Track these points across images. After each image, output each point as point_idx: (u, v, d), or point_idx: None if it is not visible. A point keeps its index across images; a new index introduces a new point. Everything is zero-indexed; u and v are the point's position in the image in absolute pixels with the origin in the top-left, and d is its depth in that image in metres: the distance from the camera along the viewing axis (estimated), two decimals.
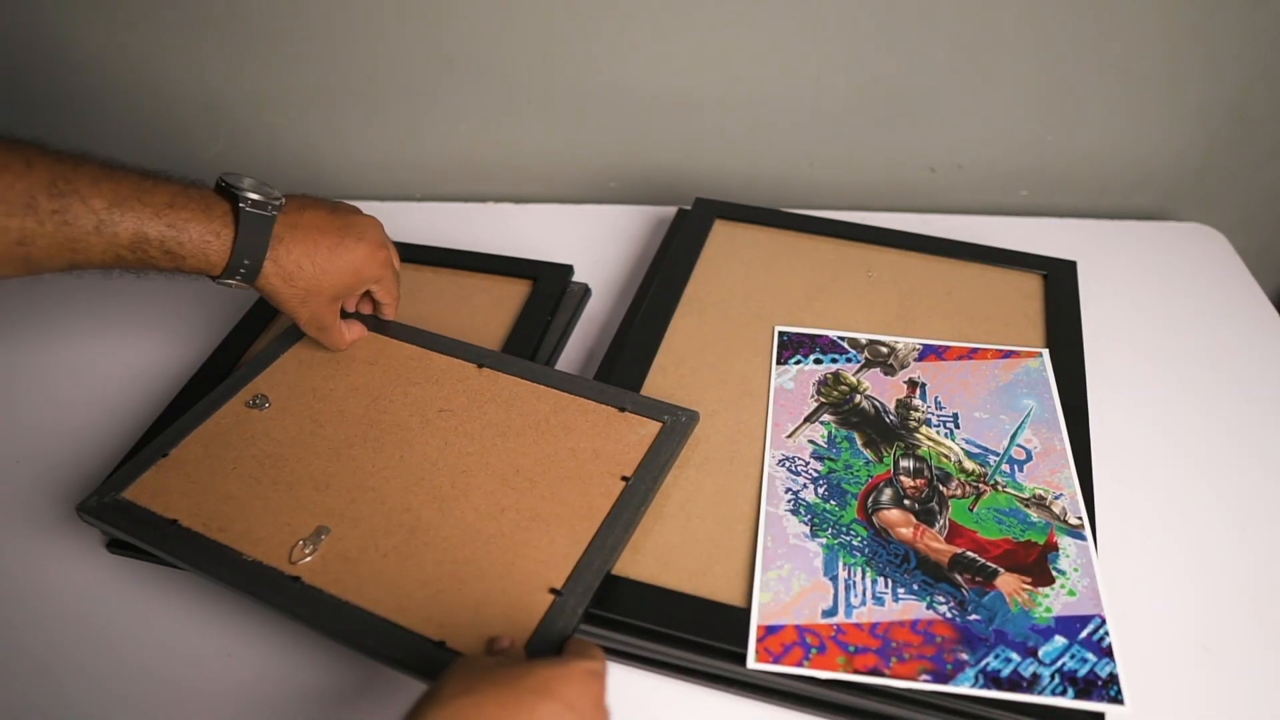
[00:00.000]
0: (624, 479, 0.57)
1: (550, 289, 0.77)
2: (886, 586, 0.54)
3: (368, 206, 0.96)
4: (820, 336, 0.71)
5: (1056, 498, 0.59)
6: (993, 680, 0.49)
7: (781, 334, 0.71)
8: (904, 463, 0.62)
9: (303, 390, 0.66)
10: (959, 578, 0.54)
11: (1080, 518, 0.58)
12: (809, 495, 0.59)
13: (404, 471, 0.59)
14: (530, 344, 0.71)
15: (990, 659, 0.50)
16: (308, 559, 0.53)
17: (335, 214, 0.63)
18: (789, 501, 0.59)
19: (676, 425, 0.61)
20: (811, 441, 0.63)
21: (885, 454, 0.62)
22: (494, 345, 0.71)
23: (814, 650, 0.51)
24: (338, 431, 0.62)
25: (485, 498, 0.57)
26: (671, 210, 0.89)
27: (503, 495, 0.57)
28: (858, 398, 0.66)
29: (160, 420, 0.68)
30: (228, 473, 0.59)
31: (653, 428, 0.60)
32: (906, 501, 0.59)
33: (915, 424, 0.64)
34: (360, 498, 0.57)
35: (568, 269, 0.79)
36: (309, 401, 0.65)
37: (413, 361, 0.67)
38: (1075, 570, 0.55)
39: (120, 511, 0.58)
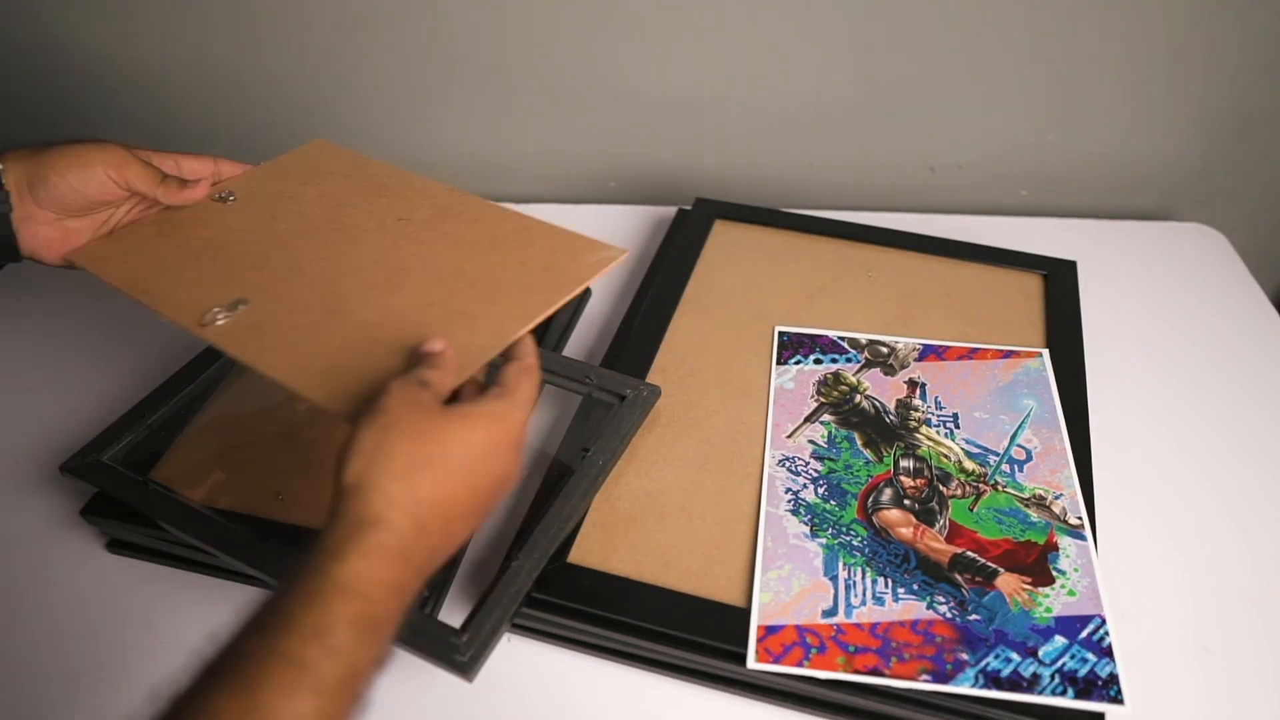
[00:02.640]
0: (584, 450, 0.58)
1: None
2: (886, 586, 0.54)
3: None
4: (820, 336, 0.71)
5: (1056, 498, 0.59)
6: (993, 680, 0.49)
7: (781, 334, 0.71)
8: (904, 463, 0.62)
9: (270, 192, 0.65)
10: (959, 578, 0.54)
11: (1080, 518, 0.58)
12: (809, 495, 0.59)
13: (342, 263, 0.57)
14: None
15: (990, 659, 0.50)
16: (219, 323, 0.52)
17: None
18: (789, 501, 0.59)
19: (639, 399, 0.62)
20: (811, 441, 0.63)
21: (885, 454, 0.62)
22: None
23: (814, 650, 0.51)
24: (290, 227, 0.61)
25: (417, 293, 0.54)
26: (671, 210, 0.89)
27: (435, 292, 0.54)
28: (858, 398, 0.66)
29: (162, 418, 0.68)
30: (171, 248, 0.59)
31: (614, 253, 0.55)
32: (906, 501, 0.59)
33: (915, 424, 0.64)
34: (290, 279, 0.56)
35: None
36: (273, 201, 0.64)
37: (388, 179, 0.66)
38: (1075, 570, 0.55)
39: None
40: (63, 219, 0.56)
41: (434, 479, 0.41)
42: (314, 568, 0.37)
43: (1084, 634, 0.51)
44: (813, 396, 0.66)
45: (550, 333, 0.75)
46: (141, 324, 0.81)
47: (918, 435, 0.64)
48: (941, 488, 0.60)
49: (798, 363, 0.69)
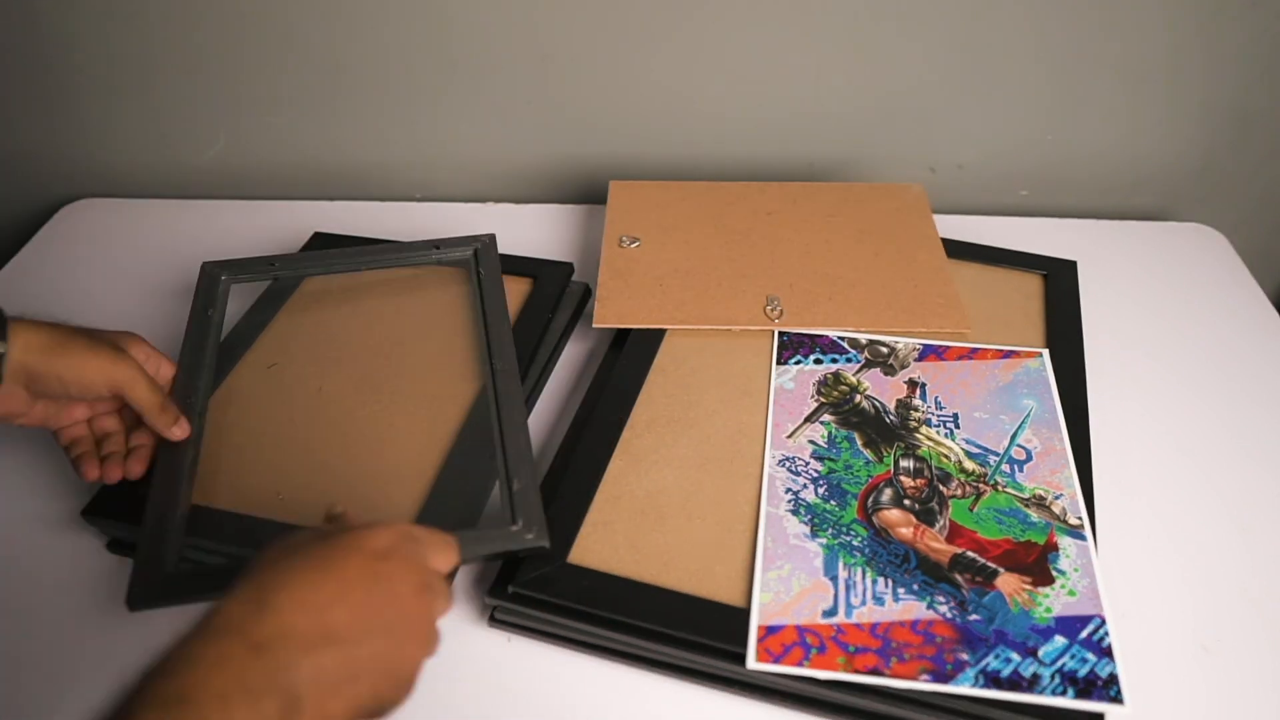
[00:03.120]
0: (493, 367, 0.63)
1: (550, 288, 0.77)
2: (887, 586, 0.54)
3: (368, 206, 0.97)
4: (820, 336, 0.71)
5: (1056, 498, 0.59)
6: (993, 680, 0.49)
7: (782, 334, 0.71)
8: (904, 463, 0.62)
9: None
10: (959, 578, 0.54)
11: (1080, 518, 0.58)
12: (809, 495, 0.59)
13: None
14: (531, 342, 0.71)
15: (990, 659, 0.50)
16: None
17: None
18: (789, 501, 0.59)
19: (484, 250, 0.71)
20: (812, 441, 0.63)
21: (885, 454, 0.62)
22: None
23: (814, 650, 0.51)
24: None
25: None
26: None
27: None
28: (858, 398, 0.66)
29: None
30: None
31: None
32: (907, 501, 0.59)
33: (915, 424, 0.64)
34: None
35: (568, 267, 0.79)
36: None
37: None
38: (1075, 570, 0.55)
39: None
40: (29, 396, 0.56)
41: (281, 566, 0.39)
42: (147, 672, 0.35)
43: (1084, 634, 0.51)
44: (813, 396, 0.66)
45: (550, 332, 0.75)
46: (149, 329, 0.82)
47: (918, 435, 0.64)
48: (941, 488, 0.60)
49: (798, 363, 0.69)
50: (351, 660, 0.38)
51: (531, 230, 0.92)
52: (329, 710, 0.37)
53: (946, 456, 0.62)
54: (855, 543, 0.57)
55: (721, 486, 0.60)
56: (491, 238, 0.77)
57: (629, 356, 0.69)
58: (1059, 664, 0.50)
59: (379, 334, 0.71)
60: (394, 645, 0.40)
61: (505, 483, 0.57)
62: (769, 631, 0.52)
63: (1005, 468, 0.61)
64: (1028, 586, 0.54)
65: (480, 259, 0.75)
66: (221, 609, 0.37)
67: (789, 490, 0.60)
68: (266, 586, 0.38)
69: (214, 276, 0.74)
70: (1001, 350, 0.70)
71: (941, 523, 0.58)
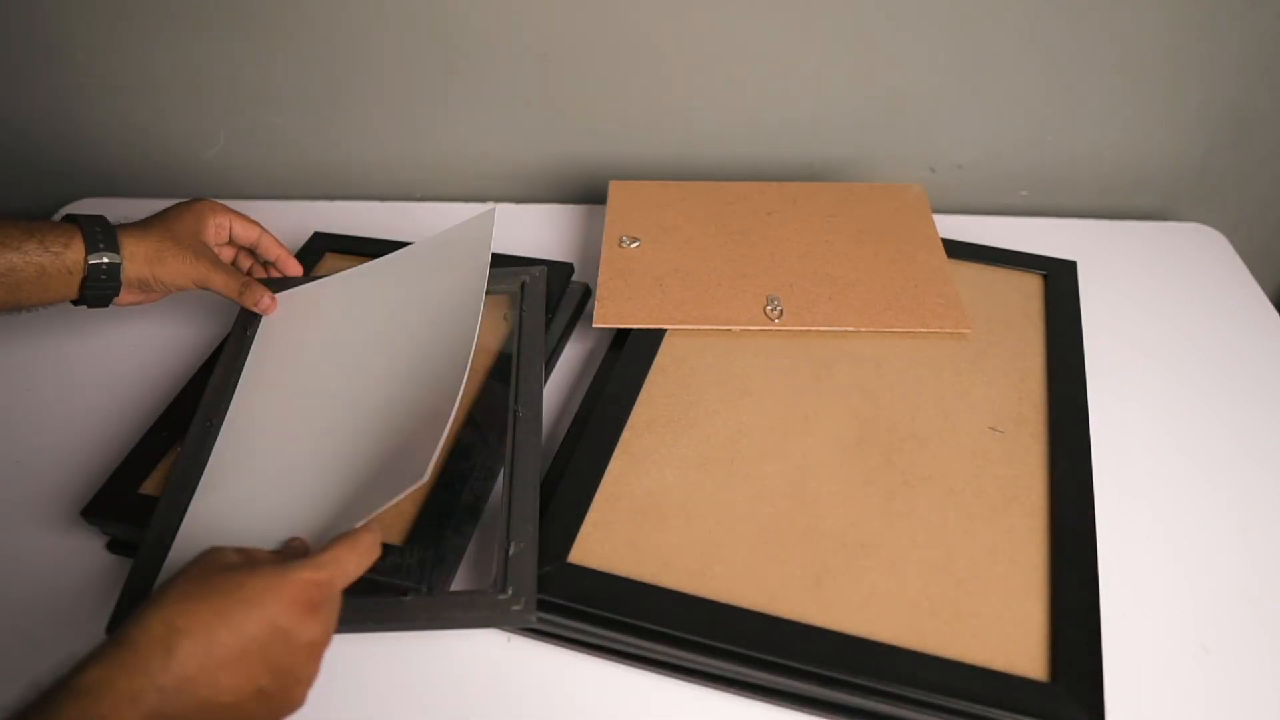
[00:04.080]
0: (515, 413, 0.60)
1: (550, 287, 0.77)
2: None
3: (368, 206, 0.97)
4: None
5: None
6: None
7: None
8: None
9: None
10: None
11: None
12: None
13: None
14: None
15: None
16: None
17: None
18: None
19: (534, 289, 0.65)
20: None
21: None
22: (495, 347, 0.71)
23: None
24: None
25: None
26: None
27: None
28: None
29: (162, 418, 0.68)
30: None
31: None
32: None
33: None
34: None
35: (568, 267, 0.79)
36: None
37: None
38: None
39: None
40: (141, 293, 0.68)
41: (189, 610, 0.41)
42: (59, 681, 0.38)
43: None
44: None
45: (551, 332, 0.75)
46: (149, 329, 0.82)
47: None
48: None
49: None
50: (235, 711, 0.41)
51: (531, 230, 0.92)
52: None
53: None
54: None
55: (721, 486, 0.60)
56: (542, 271, 0.72)
57: (629, 356, 0.69)
58: None
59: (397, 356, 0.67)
60: (279, 693, 0.43)
61: (503, 544, 0.54)
62: None
63: None
64: None
65: (525, 293, 0.71)
66: (131, 638, 0.40)
67: None
68: (173, 628, 0.40)
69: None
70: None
71: None
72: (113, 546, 0.63)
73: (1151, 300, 0.81)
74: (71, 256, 0.62)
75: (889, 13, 0.82)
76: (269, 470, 0.59)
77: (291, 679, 0.43)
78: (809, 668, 0.50)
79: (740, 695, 0.54)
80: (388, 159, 0.97)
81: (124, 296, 0.66)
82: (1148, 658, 0.55)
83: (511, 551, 0.54)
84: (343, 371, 0.65)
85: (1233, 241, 0.89)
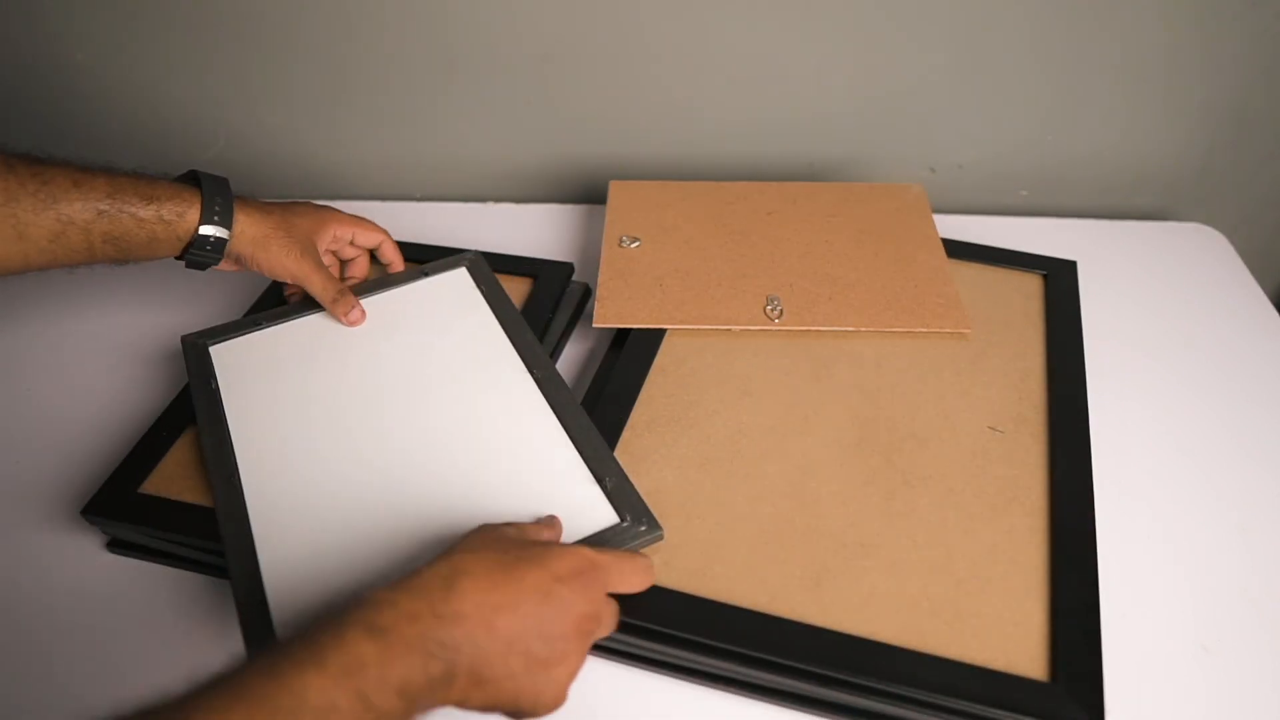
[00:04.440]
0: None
1: (550, 287, 0.77)
2: None
3: (368, 206, 0.96)
4: None
5: None
6: None
7: None
8: None
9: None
10: None
11: None
12: None
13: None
14: None
15: None
16: None
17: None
18: None
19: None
20: None
21: None
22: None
23: None
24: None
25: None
26: None
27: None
28: None
29: (162, 418, 0.68)
30: None
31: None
32: None
33: None
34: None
35: (568, 267, 0.79)
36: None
37: None
38: None
39: None
40: (237, 266, 0.69)
41: (474, 558, 0.44)
42: (352, 596, 0.42)
43: None
44: None
45: (550, 333, 0.75)
46: (148, 330, 0.81)
47: None
48: None
49: None
50: (502, 663, 0.42)
51: (531, 230, 0.92)
52: (470, 696, 0.42)
53: None
54: None
55: (721, 486, 0.60)
56: (476, 254, 0.77)
57: (629, 356, 0.69)
58: None
59: (403, 361, 0.68)
60: (544, 663, 0.44)
61: (599, 484, 0.58)
62: None
63: None
64: None
65: (474, 275, 0.75)
66: (419, 573, 0.43)
67: None
68: (457, 568, 0.43)
69: (200, 347, 0.69)
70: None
71: None
72: (113, 546, 0.63)
73: (1151, 300, 0.81)
74: (184, 226, 0.63)
75: (889, 13, 0.82)
76: (323, 512, 0.57)
77: (558, 653, 0.44)
78: (809, 668, 0.50)
79: (740, 695, 0.54)
80: (388, 159, 0.97)
81: (221, 265, 0.67)
82: (1148, 658, 0.55)
83: (610, 487, 0.57)
84: (349, 414, 0.64)
85: (1233, 241, 0.89)
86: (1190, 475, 0.66)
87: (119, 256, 0.63)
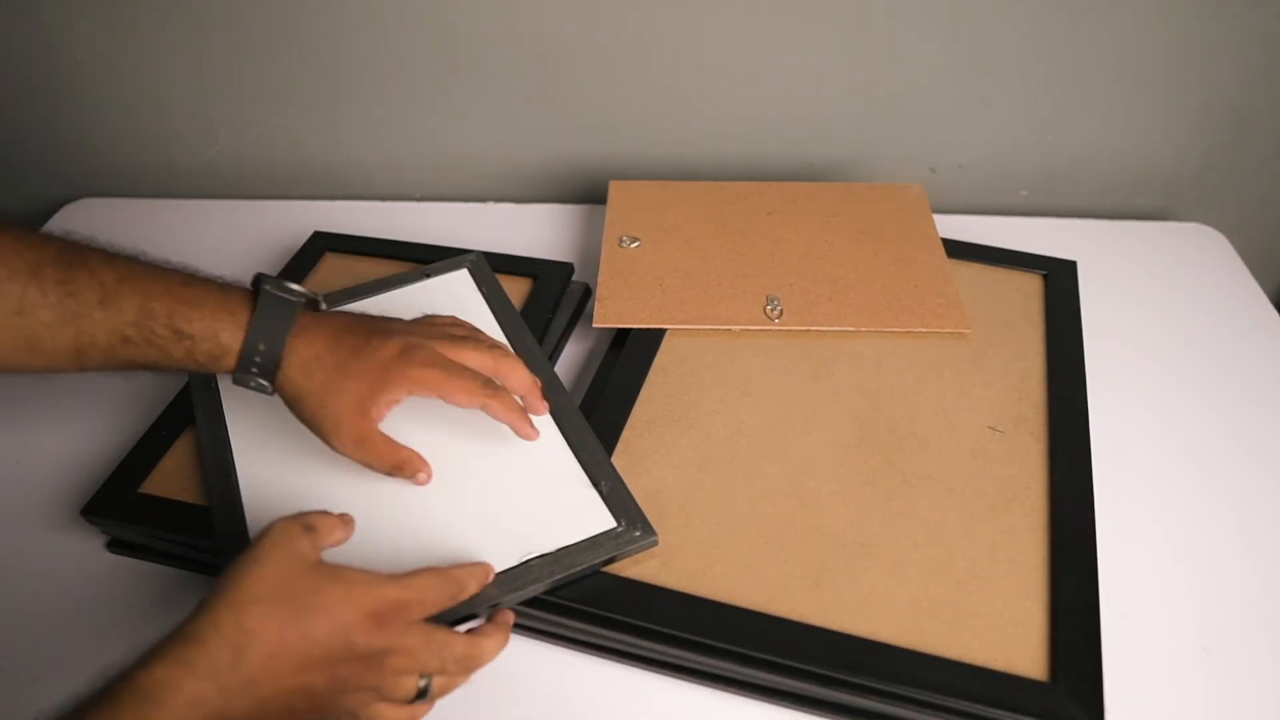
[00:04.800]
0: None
1: (551, 287, 0.77)
2: None
3: (368, 206, 0.97)
4: None
5: None
6: None
7: None
8: None
9: None
10: None
11: None
12: None
13: None
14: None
15: None
16: None
17: (365, 318, 0.57)
18: None
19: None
20: None
21: None
22: None
23: None
24: None
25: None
26: None
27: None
28: None
29: (162, 418, 0.68)
30: None
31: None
32: None
33: None
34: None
35: (568, 267, 0.79)
36: None
37: None
38: None
39: None
40: None
41: (264, 613, 0.41)
42: (123, 674, 0.38)
43: None
44: None
45: (550, 333, 0.75)
46: None
47: None
48: None
49: None
50: (290, 711, 0.41)
51: (531, 230, 0.92)
52: None
53: None
54: None
55: (721, 486, 0.60)
56: (479, 255, 0.76)
57: (629, 356, 0.69)
58: None
59: None
60: (327, 697, 0.43)
61: (595, 488, 0.57)
62: None
63: None
64: None
65: (476, 277, 0.75)
66: (200, 638, 0.40)
67: None
68: (245, 630, 0.40)
69: None
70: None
71: None
72: (113, 546, 0.63)
73: (1151, 300, 0.81)
74: (219, 367, 0.53)
75: (889, 13, 0.82)
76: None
77: (339, 687, 0.43)
78: (809, 668, 0.50)
79: (740, 695, 0.54)
80: (388, 159, 0.97)
81: None
82: (1148, 658, 0.55)
83: (606, 490, 0.57)
84: None
85: (1233, 241, 0.89)
86: (1190, 476, 0.66)
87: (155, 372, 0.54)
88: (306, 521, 0.45)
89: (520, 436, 0.57)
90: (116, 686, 0.37)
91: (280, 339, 0.52)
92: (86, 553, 0.63)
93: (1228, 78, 0.85)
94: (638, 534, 0.55)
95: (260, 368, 0.52)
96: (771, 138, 0.92)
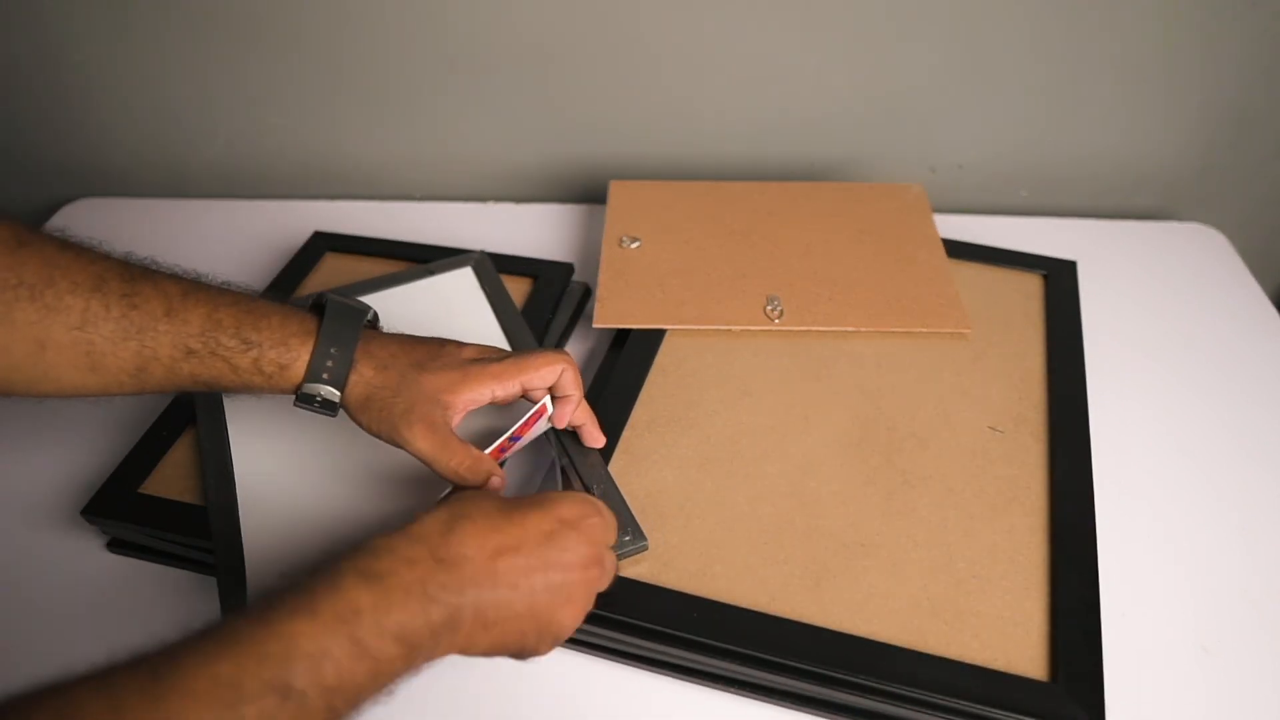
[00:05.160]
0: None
1: (550, 287, 0.77)
2: None
3: (368, 206, 0.97)
4: None
5: None
6: None
7: None
8: None
9: None
10: None
11: None
12: None
13: None
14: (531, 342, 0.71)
15: None
16: None
17: (430, 336, 0.56)
18: None
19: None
20: None
21: None
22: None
23: None
24: None
25: None
26: None
27: None
28: None
29: (162, 418, 0.68)
30: None
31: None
32: None
33: None
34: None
35: (568, 267, 0.79)
36: None
37: None
38: None
39: None
40: None
41: (476, 502, 0.45)
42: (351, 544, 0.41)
43: None
44: None
45: (550, 333, 0.75)
46: None
47: None
48: None
49: None
50: (508, 605, 0.42)
51: (531, 230, 0.92)
52: (477, 640, 0.42)
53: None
54: None
55: (722, 486, 0.60)
56: (483, 254, 0.77)
57: (629, 356, 0.69)
58: None
59: None
60: (550, 605, 0.44)
61: (586, 491, 0.57)
62: None
63: None
64: None
65: (479, 276, 0.75)
66: (419, 520, 0.43)
67: None
68: (456, 513, 0.43)
69: None
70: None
71: None
72: (113, 546, 0.63)
73: (1151, 300, 0.81)
74: (286, 380, 0.51)
75: (889, 13, 0.82)
76: (314, 515, 0.58)
77: (562, 596, 0.44)
78: (809, 667, 0.50)
79: (740, 695, 0.54)
80: (388, 159, 0.97)
81: None
82: (1148, 658, 0.55)
83: (598, 494, 0.57)
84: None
85: (1233, 241, 0.89)
86: (1190, 475, 0.66)
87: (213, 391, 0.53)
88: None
89: (589, 443, 0.60)
90: (342, 551, 0.40)
91: (351, 343, 0.52)
92: (86, 553, 0.63)
93: (1228, 78, 0.85)
94: (627, 539, 0.55)
95: (331, 373, 0.51)
96: (771, 138, 0.92)
